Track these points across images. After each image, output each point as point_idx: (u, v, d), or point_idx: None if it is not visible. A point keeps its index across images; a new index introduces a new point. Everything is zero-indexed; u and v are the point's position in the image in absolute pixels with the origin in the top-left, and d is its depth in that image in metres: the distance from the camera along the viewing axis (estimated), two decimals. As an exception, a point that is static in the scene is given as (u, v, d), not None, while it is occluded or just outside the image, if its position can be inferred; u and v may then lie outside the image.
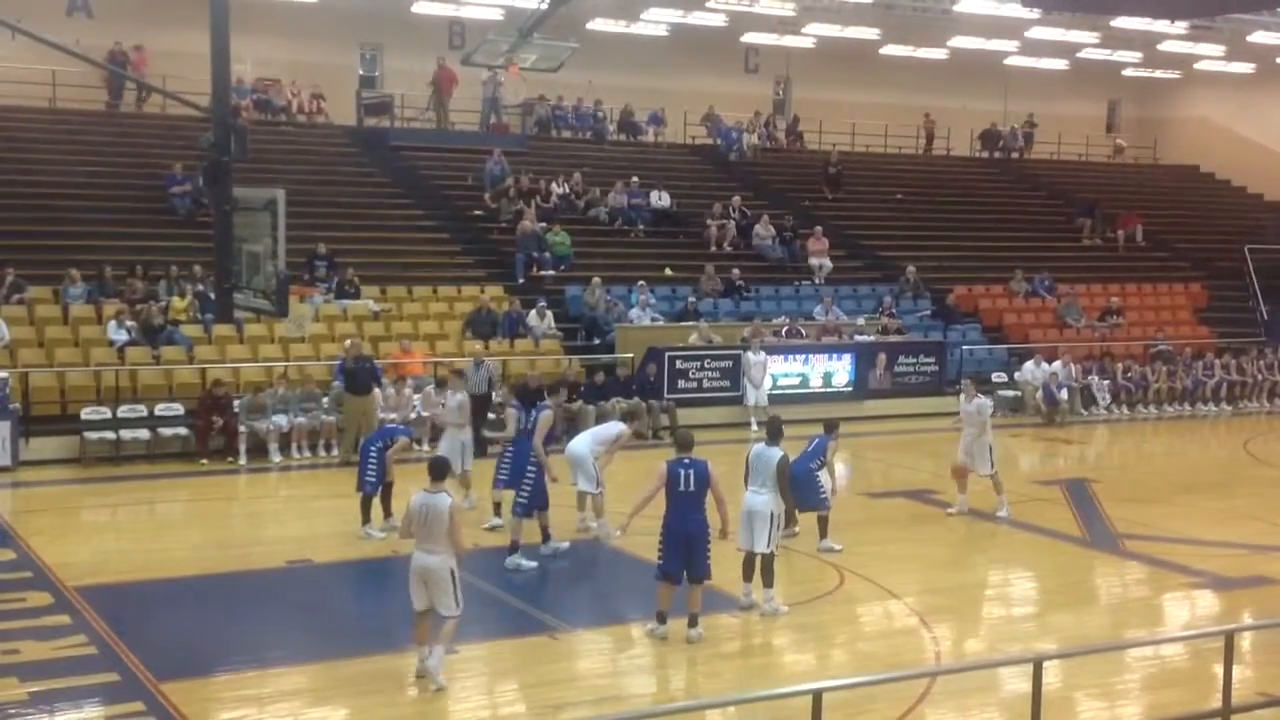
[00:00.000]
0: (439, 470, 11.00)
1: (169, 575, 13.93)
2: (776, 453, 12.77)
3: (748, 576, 12.86)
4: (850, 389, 25.70)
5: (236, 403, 20.15)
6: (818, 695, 7.89)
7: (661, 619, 12.02)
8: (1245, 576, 14.79)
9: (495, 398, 21.01)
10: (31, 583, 13.10)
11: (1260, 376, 29.66)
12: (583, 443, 15.70)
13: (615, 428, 15.95)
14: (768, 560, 12.72)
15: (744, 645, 12.28)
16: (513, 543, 14.38)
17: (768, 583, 12.75)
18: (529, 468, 14.45)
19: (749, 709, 10.16)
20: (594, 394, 22.37)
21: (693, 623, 11.96)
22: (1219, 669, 9.58)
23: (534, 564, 14.38)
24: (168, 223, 25.55)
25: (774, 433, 13.06)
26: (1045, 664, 8.84)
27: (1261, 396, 29.56)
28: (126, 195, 26.29)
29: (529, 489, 14.39)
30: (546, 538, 14.73)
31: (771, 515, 12.66)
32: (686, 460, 12.00)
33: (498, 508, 15.63)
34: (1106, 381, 27.65)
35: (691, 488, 11.86)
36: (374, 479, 15.32)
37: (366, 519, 15.47)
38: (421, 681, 10.77)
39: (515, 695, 10.94)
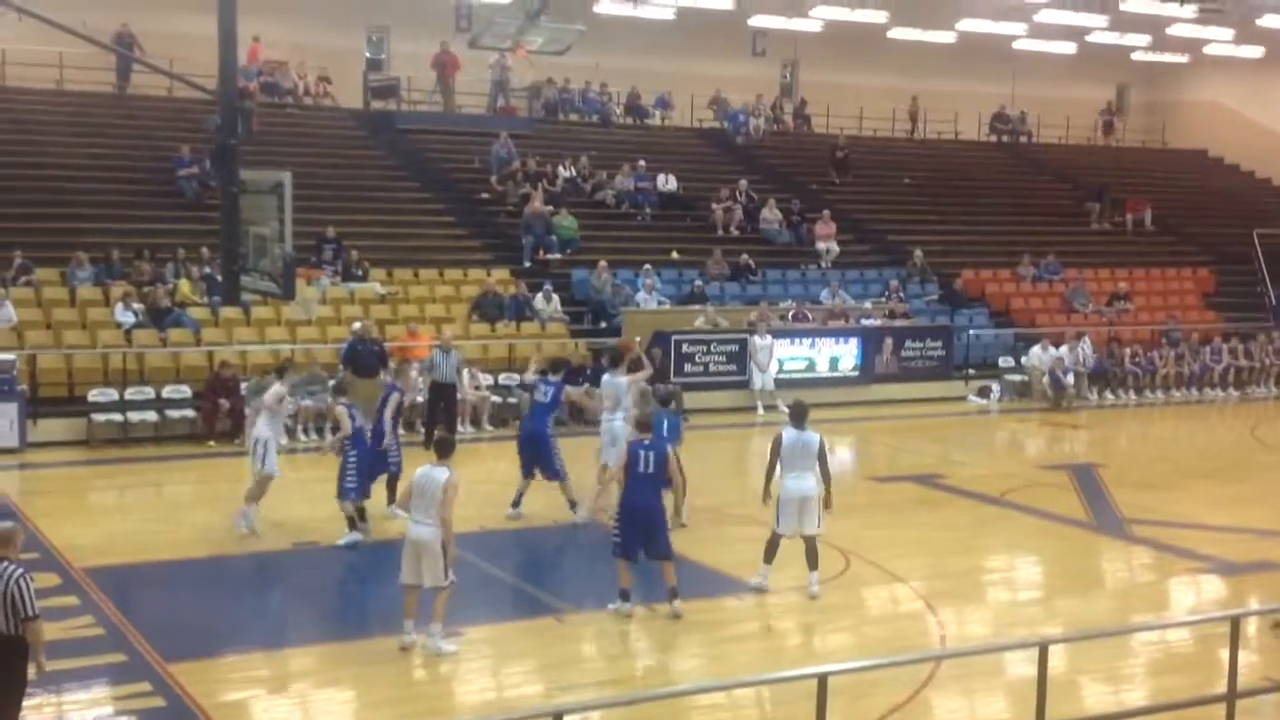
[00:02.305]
0: (444, 449, 11.26)
1: (176, 557, 13.96)
2: (815, 436, 12.75)
3: (769, 558, 12.85)
4: (857, 373, 25.66)
5: (243, 385, 20.16)
6: (823, 679, 7.91)
7: (625, 596, 12.07)
8: (1252, 561, 14.77)
9: (464, 384, 20.88)
10: (39, 564, 13.08)
11: (1268, 361, 29.56)
12: (617, 420, 15.59)
13: (623, 381, 15.93)
14: (813, 541, 12.74)
15: (750, 628, 12.29)
16: (571, 503, 15.40)
17: (814, 565, 12.77)
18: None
19: (754, 692, 10.17)
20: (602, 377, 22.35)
21: (673, 596, 12.06)
22: (1225, 654, 9.56)
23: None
24: (175, 205, 25.55)
25: (799, 415, 12.88)
26: (1051, 648, 8.83)
27: (1269, 382, 29.47)
28: (134, 177, 26.29)
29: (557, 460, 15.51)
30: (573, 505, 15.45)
31: (819, 498, 12.71)
32: (647, 442, 12.20)
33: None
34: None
35: (650, 469, 12.05)
36: (354, 485, 14.46)
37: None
38: (429, 662, 10.82)
39: (521, 677, 10.96)
